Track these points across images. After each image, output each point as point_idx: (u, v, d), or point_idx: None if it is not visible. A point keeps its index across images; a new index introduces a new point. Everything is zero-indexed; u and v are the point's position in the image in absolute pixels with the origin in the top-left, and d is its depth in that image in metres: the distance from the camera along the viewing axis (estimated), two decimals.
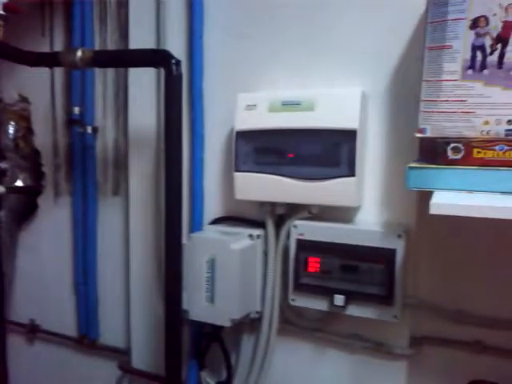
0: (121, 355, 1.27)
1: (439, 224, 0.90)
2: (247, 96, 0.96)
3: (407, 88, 0.88)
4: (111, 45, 1.22)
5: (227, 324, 0.95)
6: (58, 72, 1.30)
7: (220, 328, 1.06)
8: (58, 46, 1.29)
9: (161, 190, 1.13)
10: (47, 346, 1.43)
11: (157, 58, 0.93)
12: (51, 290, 1.40)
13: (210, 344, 1.09)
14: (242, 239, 0.97)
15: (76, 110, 1.25)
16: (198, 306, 0.97)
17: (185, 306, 0.98)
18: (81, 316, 1.33)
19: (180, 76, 0.91)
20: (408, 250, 0.88)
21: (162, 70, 0.93)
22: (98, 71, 1.24)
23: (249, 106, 0.95)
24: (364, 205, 0.94)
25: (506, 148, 0.70)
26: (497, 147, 0.71)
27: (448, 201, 0.66)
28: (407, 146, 0.87)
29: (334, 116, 0.87)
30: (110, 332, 1.31)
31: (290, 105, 0.91)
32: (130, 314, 1.23)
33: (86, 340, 1.32)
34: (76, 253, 1.31)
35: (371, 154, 0.93)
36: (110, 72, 1.23)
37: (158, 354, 1.19)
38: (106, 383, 1.31)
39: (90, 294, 1.30)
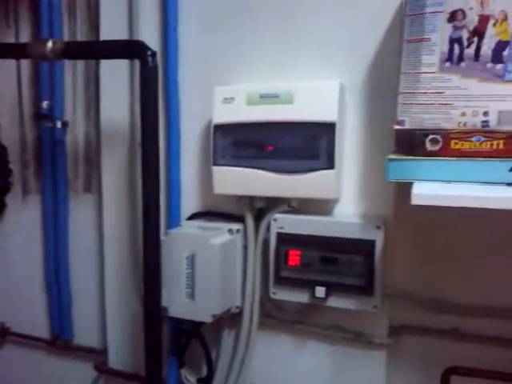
0: (96, 355, 1.24)
1: (416, 215, 0.92)
2: (225, 89, 0.95)
3: (384, 81, 0.89)
4: (81, 37, 1.18)
5: (209, 320, 0.94)
6: (25, 64, 1.25)
7: (200, 324, 1.05)
8: (25, 38, 1.24)
9: (136, 185, 1.11)
10: (18, 350, 1.39)
11: (132, 49, 0.91)
12: (22, 291, 1.35)
13: (189, 341, 1.08)
14: (222, 234, 0.96)
15: (44, 103, 1.20)
16: (177, 303, 0.96)
17: (164, 303, 0.97)
18: (53, 317, 1.29)
19: (156, 68, 0.89)
20: (386, 241, 0.89)
21: (137, 62, 0.91)
22: (67, 63, 1.20)
23: (226, 99, 0.94)
24: (342, 197, 0.95)
25: (482, 139, 0.72)
26: (474, 138, 0.72)
27: (429, 191, 0.67)
28: (384, 139, 0.88)
29: (312, 109, 0.87)
30: (84, 332, 1.28)
31: (268, 97, 0.90)
32: (105, 312, 1.21)
33: (60, 341, 1.28)
34: (47, 252, 1.27)
35: (349, 146, 0.93)
36: (80, 64, 1.19)
37: (136, 352, 1.17)
38: None
39: (62, 294, 1.27)
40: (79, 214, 1.25)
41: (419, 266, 0.95)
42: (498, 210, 0.64)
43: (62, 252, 1.25)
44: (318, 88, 0.88)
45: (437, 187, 0.70)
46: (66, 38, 1.18)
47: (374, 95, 0.91)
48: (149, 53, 0.88)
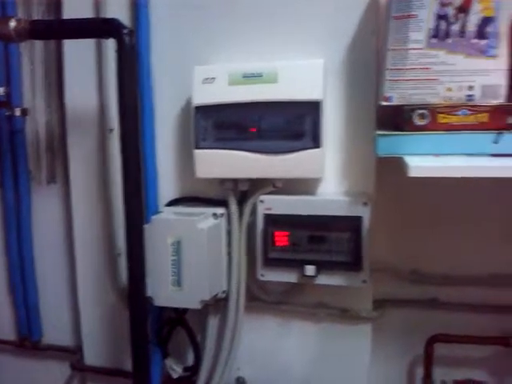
0: (69, 354, 1.19)
1: (395, 190, 0.95)
2: (205, 69, 0.92)
3: (364, 60, 0.90)
4: (38, 18, 1.10)
5: (197, 306, 0.92)
6: None
7: (184, 312, 1.03)
8: None
9: (109, 173, 1.06)
10: None
11: (107, 27, 0.86)
12: None
13: (173, 330, 1.05)
14: (207, 218, 0.94)
15: (1, 90, 1.12)
16: (163, 292, 0.93)
17: (149, 292, 0.93)
18: (20, 316, 1.21)
19: (134, 47, 0.85)
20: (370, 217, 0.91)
21: (105, 42, 0.86)
22: (23, 46, 1.12)
23: (207, 79, 0.91)
24: (327, 175, 0.95)
25: (468, 112, 0.75)
26: (459, 112, 0.75)
27: (424, 163, 0.69)
28: (367, 116, 0.90)
29: (297, 88, 0.87)
30: (54, 331, 1.22)
31: (251, 77, 0.89)
32: (78, 308, 1.15)
33: (28, 342, 1.21)
34: (10, 248, 1.19)
35: (331, 125, 0.94)
36: (39, 46, 1.12)
37: (114, 346, 1.13)
38: None
39: (28, 292, 1.19)
40: (43, 207, 1.18)
41: (398, 240, 0.98)
42: (475, 181, 0.67)
43: (26, 247, 1.18)
44: (302, 67, 0.88)
45: (427, 160, 0.72)
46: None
47: (354, 74, 0.92)
48: (126, 31, 0.84)
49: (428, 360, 0.96)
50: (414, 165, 0.68)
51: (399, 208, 0.96)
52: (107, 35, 0.87)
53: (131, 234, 0.90)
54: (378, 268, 0.96)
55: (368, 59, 0.89)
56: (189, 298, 0.92)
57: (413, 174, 0.67)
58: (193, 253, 0.90)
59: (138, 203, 0.90)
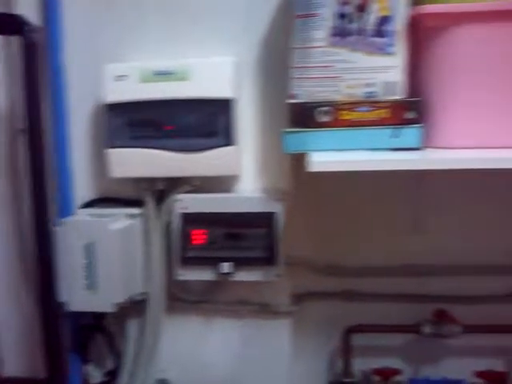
0: None
1: (311, 186, 0.97)
2: (116, 66, 0.90)
3: (277, 57, 0.91)
4: None
5: (111, 309, 0.90)
6: None
7: (102, 316, 1.00)
8: None
9: (19, 174, 1.01)
10: None
11: (10, 24, 0.82)
12: None
13: (92, 335, 1.02)
14: (121, 219, 0.92)
15: None
16: (77, 296, 0.91)
17: (63, 297, 0.90)
18: None
19: (40, 45, 0.82)
20: (286, 213, 0.93)
21: (13, 39, 0.83)
22: None
23: (119, 76, 0.89)
24: (243, 173, 0.96)
25: (369, 109, 0.77)
26: (361, 108, 0.77)
27: (325, 158, 0.71)
28: (280, 113, 0.91)
29: (208, 85, 0.87)
30: None
31: (162, 75, 0.88)
32: None
33: None
34: None
35: (247, 122, 0.95)
36: None
37: (32, 355, 1.08)
38: None
39: None
40: None
41: (315, 235, 0.99)
42: (387, 176, 0.70)
43: None
44: (212, 65, 0.88)
45: (331, 155, 0.74)
46: None
47: (269, 71, 0.93)
48: (30, 28, 0.81)
49: (346, 351, 0.99)
50: (314, 160, 0.69)
51: (316, 203, 0.98)
52: (10, 32, 0.83)
53: (40, 238, 0.87)
54: (296, 262, 0.97)
55: (280, 57, 0.90)
56: (103, 301, 0.90)
57: (314, 168, 0.69)
58: (106, 255, 0.88)
59: (44, 205, 0.87)
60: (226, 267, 0.90)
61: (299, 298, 1.00)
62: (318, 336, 1.03)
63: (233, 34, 0.93)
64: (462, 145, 0.74)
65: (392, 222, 0.97)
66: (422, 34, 0.76)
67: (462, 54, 0.73)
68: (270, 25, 0.91)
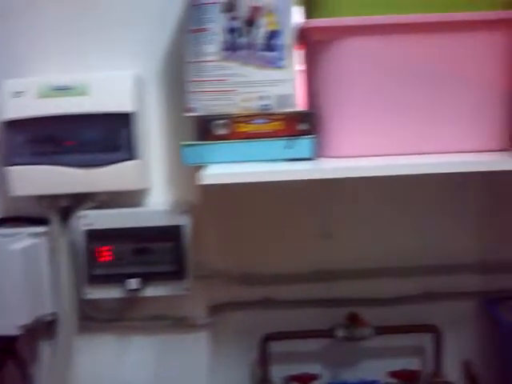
0: None
1: (222, 198, 0.97)
2: (15, 82, 0.88)
3: (180, 70, 0.91)
4: None
5: (16, 332, 0.87)
6: None
7: (12, 340, 0.96)
8: None
9: None
10: None
11: None
12: None
13: (2, 360, 0.98)
14: (22, 239, 0.89)
15: None
16: None
17: None
18: None
19: None
20: (196, 225, 0.93)
21: None
22: None
23: (17, 92, 0.87)
24: (153, 187, 0.96)
25: (264, 121, 0.79)
26: (256, 121, 0.79)
27: (217, 170, 0.72)
28: (187, 126, 0.91)
29: (108, 99, 0.86)
30: None
31: (61, 90, 0.87)
32: None
33: None
34: None
35: (155, 136, 0.95)
36: None
37: None
38: None
39: None
40: None
41: (229, 245, 1.00)
42: (295, 186, 0.72)
43: None
44: (112, 79, 0.88)
45: (224, 168, 0.75)
46: None
47: (172, 84, 0.93)
48: None
49: (263, 359, 0.99)
50: (206, 173, 0.70)
51: (227, 214, 0.98)
52: None
53: None
54: (211, 274, 0.98)
55: (182, 70, 0.90)
56: (7, 323, 0.87)
57: (205, 181, 0.69)
58: (6, 276, 0.85)
59: None
60: (133, 283, 0.89)
61: (216, 309, 1.00)
62: (238, 346, 1.03)
63: (136, 47, 0.92)
64: (351, 154, 0.77)
65: (301, 228, 0.99)
66: (311, 48, 0.78)
67: (347, 67, 0.75)
68: (172, 38, 0.92)
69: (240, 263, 0.99)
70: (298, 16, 0.79)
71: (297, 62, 0.79)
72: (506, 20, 0.74)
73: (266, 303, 1.00)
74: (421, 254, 1.00)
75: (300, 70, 0.81)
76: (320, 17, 0.76)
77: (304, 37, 0.77)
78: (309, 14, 0.78)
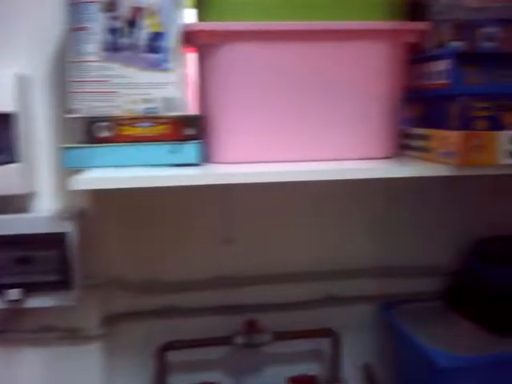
0: None
1: (120, 203, 0.94)
2: None
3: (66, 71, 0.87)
4: None
5: None
6: None
7: None
8: None
9: None
10: None
11: None
12: None
13: None
14: None
15: None
16: None
17: None
18: None
19: None
20: (87, 232, 0.89)
21: None
22: None
23: None
24: (41, 192, 0.91)
25: (149, 124, 0.76)
26: (142, 124, 0.76)
27: (93, 175, 0.68)
28: (74, 129, 0.87)
29: None
30: None
31: None
32: None
33: None
34: None
35: (42, 138, 0.90)
36: None
37: None
38: None
39: None
40: None
41: (127, 253, 0.96)
42: (187, 190, 0.70)
43: None
44: None
45: (106, 172, 0.71)
46: None
47: (60, 84, 0.89)
48: None
49: (160, 370, 0.97)
50: (80, 178, 0.66)
51: (127, 220, 0.95)
52: None
53: None
54: (108, 282, 0.94)
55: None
56: None
57: (74, 187, 0.65)
58: None
59: None
60: (13, 294, 0.83)
61: (111, 319, 0.96)
62: (135, 357, 1.00)
63: (19, 45, 0.87)
64: (238, 160, 0.76)
65: (202, 234, 0.97)
66: (199, 51, 0.77)
67: (231, 71, 0.74)
68: (58, 37, 0.88)
69: (138, 271, 0.96)
70: (189, 18, 0.78)
71: (185, 64, 0.77)
72: (389, 30, 0.76)
73: (165, 312, 0.98)
74: (320, 258, 1.02)
75: (193, 74, 0.80)
76: (209, 20, 0.75)
77: (190, 40, 0.76)
78: (200, 17, 0.77)
